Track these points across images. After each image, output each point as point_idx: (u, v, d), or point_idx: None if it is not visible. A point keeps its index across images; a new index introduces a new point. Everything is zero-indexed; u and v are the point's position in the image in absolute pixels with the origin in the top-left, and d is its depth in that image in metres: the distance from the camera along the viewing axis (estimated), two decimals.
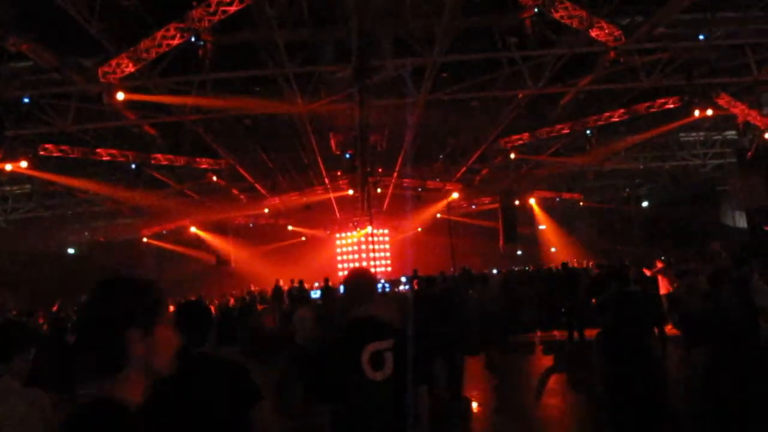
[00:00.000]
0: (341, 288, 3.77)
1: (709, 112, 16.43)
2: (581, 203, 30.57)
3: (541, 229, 32.64)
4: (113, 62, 11.39)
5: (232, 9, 10.45)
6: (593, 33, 11.59)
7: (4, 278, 20.74)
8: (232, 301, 20.22)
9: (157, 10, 11.13)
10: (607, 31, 11.62)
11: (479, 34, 13.59)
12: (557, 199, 30.55)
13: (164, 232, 28.68)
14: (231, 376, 3.05)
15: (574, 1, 11.14)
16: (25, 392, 3.06)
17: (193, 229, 28.13)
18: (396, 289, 20.88)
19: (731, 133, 22.30)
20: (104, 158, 17.46)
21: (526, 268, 25.04)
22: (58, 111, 14.27)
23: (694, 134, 23.84)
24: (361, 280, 3.68)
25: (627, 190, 31.66)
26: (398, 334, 3.43)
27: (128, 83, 12.29)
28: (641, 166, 26.45)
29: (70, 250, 29.49)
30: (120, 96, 11.90)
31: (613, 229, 31.00)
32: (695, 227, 26.02)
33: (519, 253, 30.85)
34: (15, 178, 19.42)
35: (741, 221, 26.66)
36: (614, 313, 5.46)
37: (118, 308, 1.84)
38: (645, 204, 31.69)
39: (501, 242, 26.24)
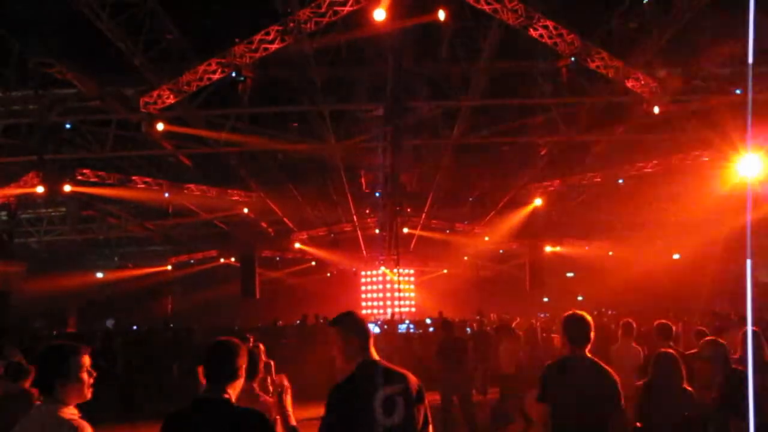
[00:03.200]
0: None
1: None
2: (610, 253, 30.13)
3: (569, 277, 32.22)
4: (154, 93, 11.68)
5: (274, 47, 10.68)
6: (629, 84, 11.60)
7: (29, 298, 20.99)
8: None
9: (199, 44, 11.41)
10: (642, 82, 11.62)
11: (514, 79, 13.68)
12: (586, 248, 30.19)
13: (192, 260, 28.90)
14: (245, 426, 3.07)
15: (611, 51, 11.19)
16: (67, 423, 2.95)
17: (221, 260, 28.35)
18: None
19: None
20: (139, 186, 17.76)
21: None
22: (97, 137, 14.62)
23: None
24: (363, 322, 3.54)
25: (658, 242, 31.18)
26: (410, 380, 3.36)
27: (167, 114, 12.56)
28: (673, 218, 26.06)
29: (99, 275, 29.81)
30: (160, 127, 12.15)
31: (641, 279, 30.42)
32: (728, 282, 25.41)
33: (545, 299, 30.43)
34: (50, 200, 19.80)
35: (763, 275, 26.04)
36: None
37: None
38: (676, 256, 31.12)
39: (527, 287, 25.96)
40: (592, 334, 4.22)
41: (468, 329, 16.70)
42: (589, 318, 4.28)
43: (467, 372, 9.74)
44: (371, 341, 3.44)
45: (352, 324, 3.49)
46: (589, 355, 4.20)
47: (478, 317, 18.73)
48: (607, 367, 4.25)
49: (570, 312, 4.38)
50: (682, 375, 4.73)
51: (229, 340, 3.33)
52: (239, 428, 3.07)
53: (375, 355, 3.41)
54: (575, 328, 4.25)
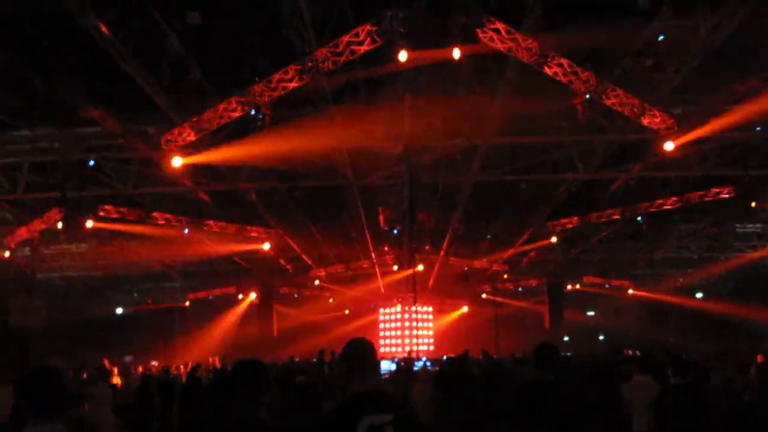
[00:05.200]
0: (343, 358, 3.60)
1: None
2: (630, 291, 29.77)
3: (590, 315, 31.87)
4: (175, 131, 11.90)
5: (292, 85, 10.87)
6: (645, 121, 11.60)
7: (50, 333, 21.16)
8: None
9: (220, 83, 11.65)
10: (659, 119, 11.62)
11: (531, 117, 13.74)
12: (606, 286, 29.88)
13: (210, 297, 29.01)
14: None
15: (626, 89, 11.23)
16: None
17: (239, 297, 28.44)
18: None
19: None
20: (159, 222, 17.97)
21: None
22: (118, 174, 14.89)
23: (750, 225, 23.25)
24: (363, 351, 3.52)
25: (680, 280, 30.81)
26: (401, 410, 3.32)
27: (188, 151, 12.77)
28: (695, 256, 25.82)
29: (118, 310, 30.01)
30: (178, 162, 12.34)
31: (665, 319, 30.00)
32: (750, 323, 25.01)
33: (566, 339, 30.07)
34: (72, 236, 20.08)
35: None
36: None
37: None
38: (699, 295, 30.69)
39: (547, 325, 25.70)
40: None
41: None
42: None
43: None
44: (368, 370, 3.43)
45: (347, 351, 3.48)
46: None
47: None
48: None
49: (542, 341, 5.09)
50: None
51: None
52: None
53: (373, 385, 3.39)
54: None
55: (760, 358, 5.54)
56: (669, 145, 11.90)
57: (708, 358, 13.45)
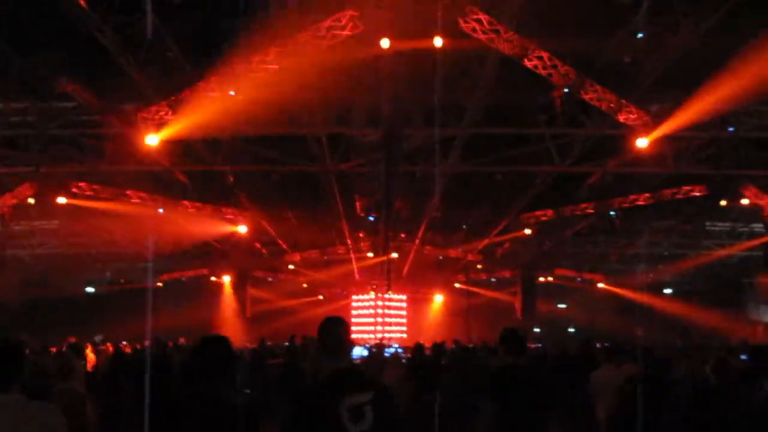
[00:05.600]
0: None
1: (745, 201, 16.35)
2: (601, 284, 30.21)
3: (561, 307, 32.23)
4: (152, 109, 11.78)
5: (273, 67, 10.81)
6: (621, 117, 11.76)
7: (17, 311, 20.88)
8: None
9: (199, 62, 11.54)
10: (635, 115, 11.78)
11: (509, 109, 13.84)
12: (578, 279, 30.25)
13: (183, 278, 28.82)
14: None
15: (605, 85, 11.36)
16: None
17: (212, 279, 28.27)
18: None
19: (758, 226, 22.11)
20: (133, 200, 17.78)
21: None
22: (94, 151, 14.71)
23: (720, 224, 23.66)
24: (338, 330, 3.53)
25: (650, 275, 31.27)
26: (379, 389, 3.38)
27: (165, 129, 12.65)
28: (665, 253, 26.23)
29: (89, 289, 29.70)
30: (153, 140, 12.22)
31: (633, 313, 30.43)
32: (718, 319, 25.53)
33: (536, 330, 30.41)
34: (44, 212, 19.80)
35: (766, 315, 26.14)
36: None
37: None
38: (668, 291, 31.21)
39: (519, 316, 25.96)
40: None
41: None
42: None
43: None
44: (344, 349, 3.47)
45: (323, 330, 3.50)
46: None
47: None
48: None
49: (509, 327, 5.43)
50: None
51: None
52: None
53: (348, 364, 3.45)
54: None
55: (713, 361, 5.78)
56: (642, 142, 12.06)
57: (672, 351, 13.75)
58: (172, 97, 11.54)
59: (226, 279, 28.02)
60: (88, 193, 16.96)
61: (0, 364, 3.07)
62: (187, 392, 3.23)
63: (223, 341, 3.37)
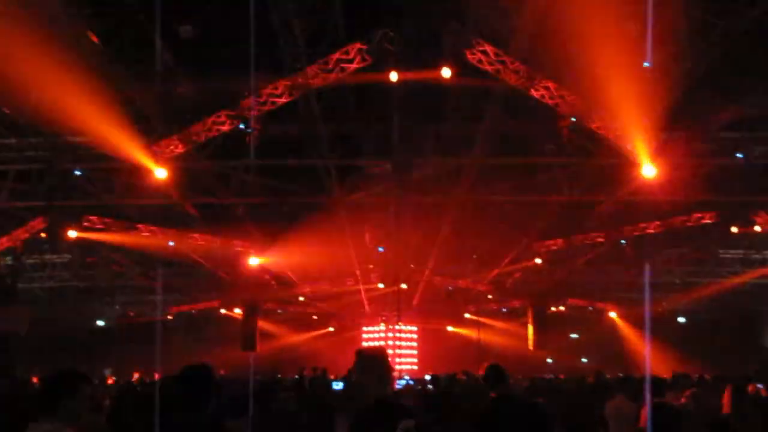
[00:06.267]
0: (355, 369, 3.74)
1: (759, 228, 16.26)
2: (612, 314, 29.95)
3: (573, 338, 31.92)
4: (163, 142, 11.90)
5: (282, 101, 10.94)
6: (629, 145, 11.74)
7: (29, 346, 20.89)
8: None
9: (209, 96, 11.68)
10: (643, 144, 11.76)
11: (518, 139, 13.89)
12: (590, 308, 29.98)
13: (193, 311, 28.79)
14: None
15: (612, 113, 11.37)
16: None
17: (222, 311, 28.23)
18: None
19: None
20: (144, 234, 17.86)
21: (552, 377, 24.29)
22: (105, 185, 14.83)
23: (732, 251, 23.49)
24: (382, 359, 3.67)
25: (663, 304, 30.97)
26: (412, 415, 3.50)
27: (176, 163, 12.77)
28: (678, 281, 26.00)
29: (99, 323, 29.71)
30: (162, 173, 12.33)
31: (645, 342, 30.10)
32: (733, 349, 25.24)
33: (549, 360, 30.08)
34: (55, 246, 19.92)
35: None
36: None
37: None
38: (681, 320, 30.88)
39: (531, 347, 25.71)
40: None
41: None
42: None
43: None
44: (388, 378, 3.59)
45: (367, 360, 3.61)
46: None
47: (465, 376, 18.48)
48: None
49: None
50: None
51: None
52: None
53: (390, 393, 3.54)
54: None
55: (728, 391, 5.71)
56: (649, 170, 12.05)
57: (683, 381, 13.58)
58: (183, 131, 11.64)
59: (237, 311, 27.97)
60: (99, 226, 17.05)
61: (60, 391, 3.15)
62: (168, 421, 3.20)
63: (205, 368, 3.34)
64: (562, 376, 23.91)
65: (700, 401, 7.34)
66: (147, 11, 9.74)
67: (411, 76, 10.19)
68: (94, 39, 9.33)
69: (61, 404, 3.09)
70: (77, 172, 14.29)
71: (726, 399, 5.80)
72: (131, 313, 29.62)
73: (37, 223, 16.21)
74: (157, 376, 19.68)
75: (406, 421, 3.36)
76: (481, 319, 28.41)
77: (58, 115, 11.18)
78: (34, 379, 13.49)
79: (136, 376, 20.25)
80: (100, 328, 29.82)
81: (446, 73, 9.73)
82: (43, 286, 24.62)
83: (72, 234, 16.27)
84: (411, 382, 19.27)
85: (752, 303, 27.42)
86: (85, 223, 16.70)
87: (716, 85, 11.09)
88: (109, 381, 18.35)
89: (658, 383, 6.75)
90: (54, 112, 11.40)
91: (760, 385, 8.97)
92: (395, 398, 3.63)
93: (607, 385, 10.34)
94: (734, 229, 16.39)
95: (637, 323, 29.42)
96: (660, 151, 12.00)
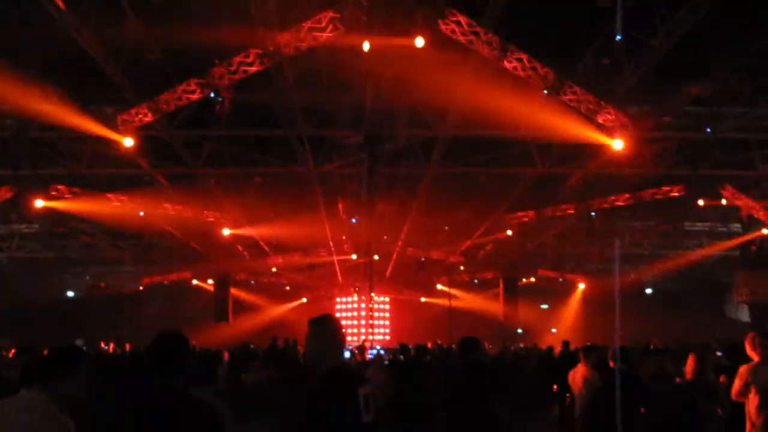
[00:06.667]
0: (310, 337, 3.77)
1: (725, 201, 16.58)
2: (581, 284, 30.48)
3: (544, 308, 32.44)
4: (132, 111, 11.72)
5: (253, 69, 10.80)
6: (600, 119, 11.85)
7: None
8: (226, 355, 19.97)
9: (179, 64, 11.49)
10: (614, 117, 11.88)
11: (491, 111, 13.90)
12: (560, 280, 30.46)
13: (165, 282, 28.65)
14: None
15: (584, 87, 11.45)
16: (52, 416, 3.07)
17: (194, 282, 28.14)
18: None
19: (736, 226, 22.40)
20: (113, 203, 17.63)
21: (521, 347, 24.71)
22: (73, 154, 14.58)
23: (699, 224, 23.95)
24: (334, 327, 3.74)
25: (631, 275, 31.56)
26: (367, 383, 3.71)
27: (145, 132, 12.60)
28: (646, 253, 26.48)
29: (69, 293, 29.45)
30: (129, 142, 12.17)
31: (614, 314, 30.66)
32: (698, 319, 25.88)
33: (519, 331, 30.56)
34: (23, 216, 19.60)
35: (744, 315, 26.51)
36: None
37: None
38: (648, 291, 31.53)
39: (502, 318, 26.11)
40: None
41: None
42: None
43: None
44: (340, 346, 3.71)
45: (319, 328, 3.69)
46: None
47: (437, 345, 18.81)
48: None
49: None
50: None
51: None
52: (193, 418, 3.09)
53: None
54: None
55: (691, 358, 5.91)
56: (618, 144, 12.19)
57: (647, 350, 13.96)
58: (152, 100, 11.46)
59: (209, 282, 27.93)
60: (67, 195, 16.80)
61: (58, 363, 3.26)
62: (142, 389, 3.21)
63: (178, 336, 3.35)
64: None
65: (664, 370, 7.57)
66: None
67: (384, 43, 10.08)
68: (61, 4, 9.09)
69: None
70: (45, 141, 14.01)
71: (689, 367, 6.00)
72: (102, 284, 29.39)
73: (4, 192, 15.92)
74: (128, 347, 19.65)
75: (362, 389, 3.45)
76: (453, 290, 28.72)
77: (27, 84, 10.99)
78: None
79: (111, 346, 20.20)
80: (71, 298, 29.55)
81: (420, 42, 9.64)
82: (10, 256, 24.28)
83: (39, 203, 16.01)
84: (382, 352, 19.45)
85: (717, 275, 28.08)
86: (53, 192, 16.44)
87: (684, 60, 11.19)
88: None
89: (625, 352, 6.91)
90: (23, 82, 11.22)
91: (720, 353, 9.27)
92: (349, 367, 3.71)
93: (572, 355, 10.56)
94: (701, 202, 16.68)
95: (606, 294, 29.89)
96: (629, 125, 12.13)
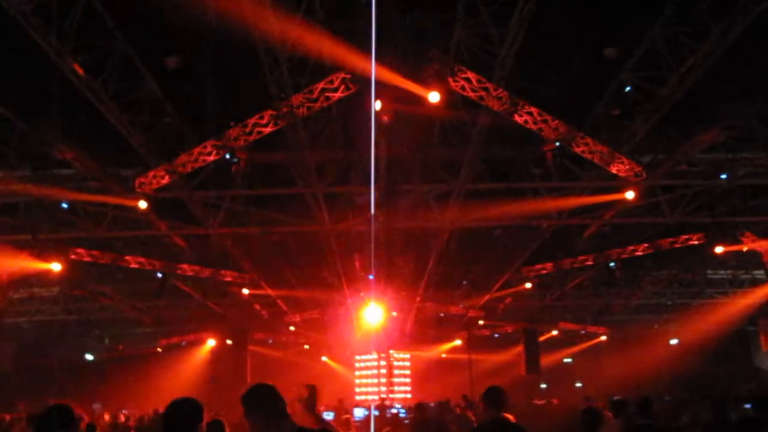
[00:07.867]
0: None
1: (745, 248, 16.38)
2: (603, 337, 29.95)
3: (567, 362, 31.84)
4: (150, 174, 11.91)
5: (268, 130, 10.99)
6: (614, 168, 11.86)
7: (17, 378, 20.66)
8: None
9: (195, 127, 11.74)
10: (627, 166, 11.89)
11: (504, 165, 13.99)
12: (582, 332, 29.96)
13: (183, 342, 28.55)
14: None
15: (596, 138, 11.49)
16: None
17: (211, 342, 28.01)
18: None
19: (759, 273, 22.03)
20: (132, 265, 17.78)
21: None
22: (92, 217, 14.78)
23: (722, 272, 23.61)
24: (274, 395, 3.73)
25: (655, 326, 31.00)
26: None
27: (163, 195, 12.77)
28: (669, 302, 26.06)
29: (88, 356, 29.40)
30: (143, 205, 12.37)
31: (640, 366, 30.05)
32: (726, 368, 25.28)
33: (543, 386, 29.95)
34: (43, 280, 19.75)
35: None
36: None
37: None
38: (674, 341, 30.88)
39: (523, 372, 25.64)
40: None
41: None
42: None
43: None
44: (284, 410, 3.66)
45: (259, 398, 3.71)
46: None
47: (463, 403, 18.38)
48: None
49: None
50: None
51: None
52: None
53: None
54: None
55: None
56: (630, 194, 12.16)
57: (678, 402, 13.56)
58: (169, 162, 11.67)
59: (227, 342, 27.76)
60: (86, 259, 16.96)
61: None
62: None
63: (190, 402, 3.33)
64: (555, 401, 23.79)
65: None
66: (133, 43, 9.85)
67: (396, 104, 10.24)
68: (80, 71, 9.37)
69: None
70: (64, 205, 14.22)
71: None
72: (120, 347, 29.35)
73: (24, 258, 16.08)
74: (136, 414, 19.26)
75: None
76: (473, 349, 28.34)
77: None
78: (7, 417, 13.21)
79: (124, 411, 20.00)
80: (90, 362, 29.48)
81: (434, 97, 9.74)
82: (30, 320, 24.37)
83: (56, 267, 16.14)
84: (402, 412, 19.09)
85: (742, 322, 27.49)
86: (73, 256, 16.60)
87: (696, 108, 11.25)
88: (106, 417, 18.03)
89: (645, 404, 6.76)
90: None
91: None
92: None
93: (596, 411, 10.30)
94: (719, 249, 16.47)
95: (629, 346, 29.38)
96: (642, 174, 12.12)
